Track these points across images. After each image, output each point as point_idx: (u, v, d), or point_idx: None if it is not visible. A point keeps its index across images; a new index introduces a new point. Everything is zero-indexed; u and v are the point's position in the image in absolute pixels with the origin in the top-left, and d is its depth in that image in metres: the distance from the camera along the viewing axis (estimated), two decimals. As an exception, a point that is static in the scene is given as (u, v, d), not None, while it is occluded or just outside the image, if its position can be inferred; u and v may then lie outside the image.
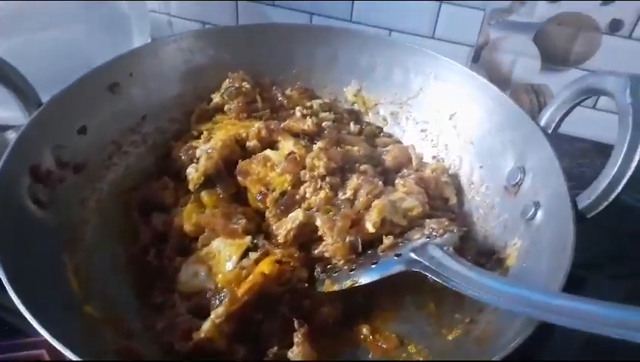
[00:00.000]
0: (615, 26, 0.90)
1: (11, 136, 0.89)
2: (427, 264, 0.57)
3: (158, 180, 0.73)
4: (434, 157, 0.80)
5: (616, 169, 0.55)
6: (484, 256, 0.66)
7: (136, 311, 0.62)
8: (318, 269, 0.64)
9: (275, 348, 0.57)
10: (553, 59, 0.98)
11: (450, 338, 0.60)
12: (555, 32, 0.95)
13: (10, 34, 0.87)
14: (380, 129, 0.85)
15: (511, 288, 0.50)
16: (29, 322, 0.73)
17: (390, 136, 0.84)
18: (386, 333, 0.62)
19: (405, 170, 0.74)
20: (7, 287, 0.46)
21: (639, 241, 0.83)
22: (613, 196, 0.56)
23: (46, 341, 0.72)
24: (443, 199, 0.74)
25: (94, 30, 0.97)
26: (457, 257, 0.57)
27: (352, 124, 0.82)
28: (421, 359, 0.59)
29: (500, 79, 1.03)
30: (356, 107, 0.86)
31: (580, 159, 0.97)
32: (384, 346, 0.61)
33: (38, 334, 0.73)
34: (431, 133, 0.81)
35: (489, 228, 0.69)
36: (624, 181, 0.55)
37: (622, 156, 0.55)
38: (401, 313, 0.65)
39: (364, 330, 0.62)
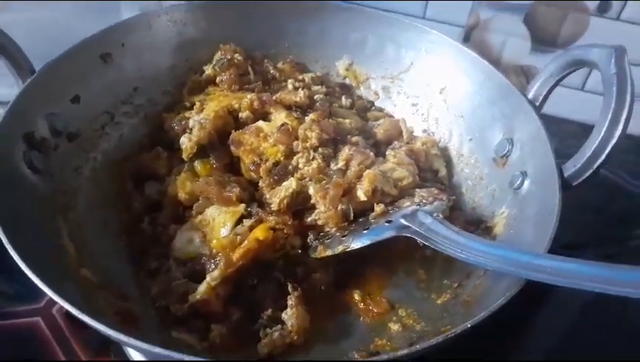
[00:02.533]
0: (603, 8, 0.91)
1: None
2: (417, 229, 0.58)
3: (151, 150, 0.74)
4: (424, 130, 0.81)
5: (600, 137, 0.57)
6: (473, 224, 0.68)
7: (131, 277, 0.63)
8: (311, 236, 0.65)
9: (270, 311, 0.59)
10: (542, 40, 0.99)
11: (439, 302, 0.62)
12: (545, 13, 0.96)
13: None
14: (372, 103, 0.86)
15: (498, 250, 0.52)
16: (23, 289, 0.74)
17: (381, 110, 0.85)
18: (377, 298, 0.64)
19: (396, 143, 0.76)
20: (10, 250, 0.47)
21: (626, 222, 0.85)
22: (597, 163, 0.58)
23: (41, 308, 0.74)
24: (433, 171, 0.75)
25: (83, 8, 0.96)
26: (446, 223, 0.58)
27: (343, 98, 0.83)
28: (411, 322, 0.61)
29: (490, 60, 1.02)
30: (348, 81, 0.87)
31: (569, 140, 0.98)
32: (375, 310, 0.63)
33: (33, 302, 0.75)
34: (421, 107, 0.82)
35: (477, 199, 0.71)
36: (608, 148, 0.57)
37: (606, 124, 0.56)
38: (392, 280, 0.66)
39: (356, 296, 0.64)
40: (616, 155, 0.57)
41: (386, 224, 0.61)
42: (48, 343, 0.71)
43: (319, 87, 0.82)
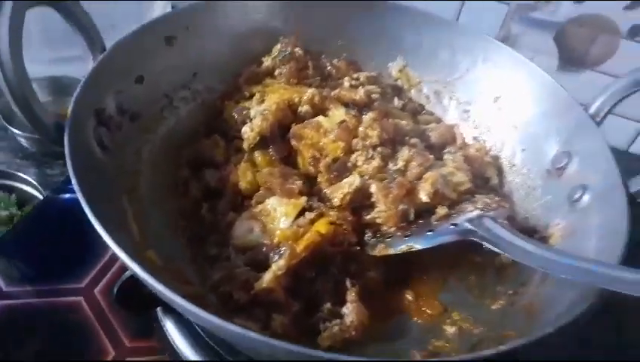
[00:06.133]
0: (635, 32, 0.92)
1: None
2: (484, 234, 0.59)
3: (208, 138, 0.74)
4: (475, 138, 0.82)
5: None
6: (526, 234, 0.68)
7: (190, 262, 0.63)
8: (369, 234, 0.66)
9: (329, 304, 0.59)
10: (571, 59, 1.00)
11: (494, 308, 0.63)
12: (576, 33, 0.97)
13: None
14: (422, 106, 0.86)
15: (571, 260, 0.52)
16: (64, 268, 0.73)
17: (432, 114, 0.85)
18: (430, 300, 0.64)
19: (451, 148, 0.76)
20: (92, 220, 0.46)
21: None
22: (664, 182, 0.59)
23: (84, 288, 0.74)
24: (484, 178, 0.76)
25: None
26: (512, 229, 0.59)
27: (395, 99, 0.84)
28: (467, 325, 0.61)
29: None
30: (400, 83, 0.88)
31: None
32: (429, 311, 0.63)
33: (74, 281, 0.75)
34: (473, 114, 0.83)
35: (530, 209, 0.72)
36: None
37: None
38: (443, 284, 0.67)
39: (409, 296, 0.64)
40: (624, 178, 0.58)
41: (452, 227, 0.62)
42: (91, 323, 0.71)
43: (373, 86, 0.82)
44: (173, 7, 1.10)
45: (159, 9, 1.08)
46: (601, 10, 0.92)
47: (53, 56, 1.00)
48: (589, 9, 0.93)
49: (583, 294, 0.50)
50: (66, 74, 1.00)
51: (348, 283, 0.61)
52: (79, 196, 0.47)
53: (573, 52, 1.00)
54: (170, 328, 0.67)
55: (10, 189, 0.92)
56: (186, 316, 0.46)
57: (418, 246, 0.61)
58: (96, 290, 0.74)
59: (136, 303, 0.65)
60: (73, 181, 0.49)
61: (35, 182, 0.90)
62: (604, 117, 0.69)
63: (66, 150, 0.52)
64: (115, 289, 0.65)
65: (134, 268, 0.44)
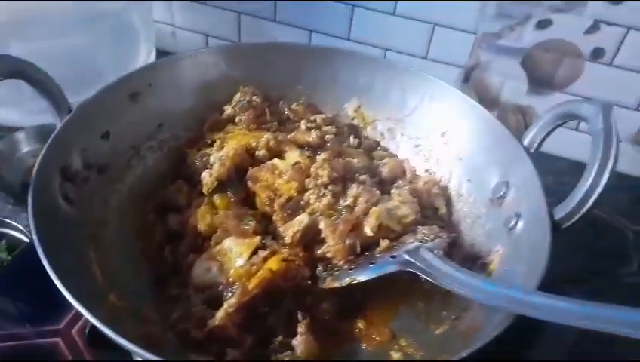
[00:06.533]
0: (597, 54, 0.97)
1: (20, 136, 0.95)
2: (419, 265, 0.63)
3: (173, 183, 0.79)
4: (426, 170, 0.87)
5: (588, 185, 0.62)
6: (470, 260, 0.73)
7: (152, 302, 0.67)
8: (320, 268, 0.70)
9: (280, 337, 0.63)
10: (539, 82, 1.05)
11: (438, 333, 0.67)
12: (541, 57, 1.02)
13: (23, 39, 0.92)
14: (377, 143, 0.92)
15: (492, 286, 0.57)
16: (43, 310, 0.78)
17: (386, 149, 0.91)
18: (380, 327, 0.69)
19: (400, 182, 0.81)
20: (50, 273, 0.51)
21: (616, 259, 0.90)
22: (585, 209, 0.63)
23: (61, 329, 0.78)
24: (434, 209, 0.80)
25: (103, 39, 1.03)
26: (446, 259, 0.63)
27: (351, 138, 0.89)
28: (411, 351, 0.65)
29: (489, 99, 1.10)
30: (356, 122, 0.93)
31: (563, 177, 1.03)
32: (377, 338, 0.67)
33: (53, 323, 0.79)
34: (424, 149, 0.88)
35: (475, 236, 0.76)
36: (595, 196, 0.62)
37: (593, 174, 0.62)
38: (395, 311, 0.71)
39: (360, 324, 0.69)
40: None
41: (391, 259, 0.66)
42: (68, 364, 0.75)
43: (330, 127, 0.88)
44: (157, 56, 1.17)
45: (144, 57, 1.15)
46: (563, 36, 0.97)
47: (43, 106, 1.07)
48: (552, 34, 0.98)
49: (501, 318, 0.54)
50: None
51: (299, 315, 0.65)
52: (38, 249, 0.53)
53: (541, 76, 1.04)
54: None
55: (1, 236, 0.97)
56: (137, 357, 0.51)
57: (360, 278, 0.66)
58: (74, 331, 0.79)
59: (108, 342, 0.70)
60: (34, 237, 0.54)
61: (24, 229, 0.95)
62: (538, 147, 0.74)
63: (29, 209, 0.57)
64: (87, 330, 0.70)
65: (84, 313, 0.49)
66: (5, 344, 0.76)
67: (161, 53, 1.17)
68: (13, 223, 0.95)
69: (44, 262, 0.52)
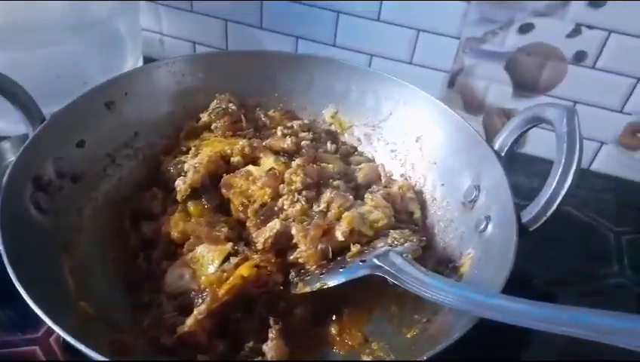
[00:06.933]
0: (580, 57, 0.98)
1: (6, 145, 0.95)
2: (388, 269, 0.64)
3: (148, 191, 0.80)
4: (402, 175, 0.88)
5: (552, 188, 0.63)
6: (443, 264, 0.73)
7: (125, 309, 0.68)
8: (293, 274, 0.71)
9: (251, 343, 0.64)
10: (523, 86, 1.05)
11: (409, 336, 0.67)
12: (525, 61, 1.02)
13: (8, 48, 0.92)
14: (355, 148, 0.93)
15: (457, 289, 0.57)
16: (20, 319, 0.78)
17: (363, 155, 0.92)
18: (352, 332, 0.69)
19: (375, 186, 0.82)
20: (16, 283, 0.52)
21: (597, 261, 0.91)
22: (550, 211, 0.64)
23: (38, 338, 0.79)
24: (408, 213, 0.81)
25: (90, 47, 1.02)
26: (414, 263, 0.64)
27: (329, 144, 0.90)
28: (382, 354, 0.66)
29: (475, 103, 1.10)
30: (333, 128, 0.94)
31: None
32: (350, 342, 0.68)
33: (31, 331, 0.80)
34: (399, 154, 0.89)
35: (448, 240, 0.77)
36: (559, 198, 0.63)
37: (557, 177, 0.63)
38: (367, 315, 0.71)
39: (333, 329, 0.69)
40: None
41: (361, 263, 0.67)
42: (46, 371, 0.75)
43: (306, 133, 0.89)
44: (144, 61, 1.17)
45: (131, 65, 1.14)
46: (546, 39, 0.98)
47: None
48: (535, 38, 0.99)
49: (465, 322, 0.55)
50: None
51: (272, 321, 0.66)
52: (4, 258, 0.53)
53: (525, 79, 1.05)
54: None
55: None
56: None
57: (331, 282, 0.66)
58: (52, 339, 0.79)
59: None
60: (0, 246, 0.55)
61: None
62: (508, 151, 0.74)
63: (-3, 218, 0.58)
64: (62, 339, 0.70)
65: (48, 322, 0.50)
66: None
67: (148, 61, 1.17)
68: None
69: (10, 271, 0.52)
